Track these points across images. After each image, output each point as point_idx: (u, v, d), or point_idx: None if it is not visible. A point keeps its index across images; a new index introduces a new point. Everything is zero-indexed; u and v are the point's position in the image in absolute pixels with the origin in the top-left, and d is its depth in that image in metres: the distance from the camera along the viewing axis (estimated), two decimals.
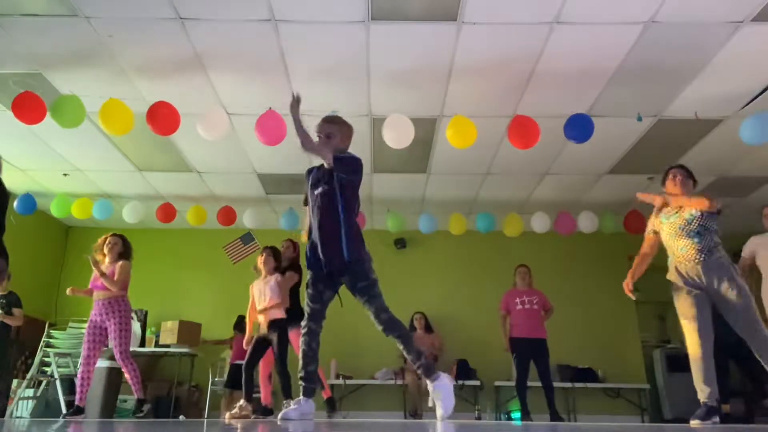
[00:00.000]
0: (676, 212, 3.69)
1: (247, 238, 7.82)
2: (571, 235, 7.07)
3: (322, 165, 3.26)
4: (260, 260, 4.91)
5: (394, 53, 4.24)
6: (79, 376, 4.66)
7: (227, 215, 6.85)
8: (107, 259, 4.91)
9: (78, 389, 4.63)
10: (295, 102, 3.19)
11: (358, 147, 5.66)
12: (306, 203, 3.36)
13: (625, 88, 4.64)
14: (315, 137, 3.25)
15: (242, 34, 4.02)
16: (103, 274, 4.71)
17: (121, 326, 4.75)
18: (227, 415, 4.67)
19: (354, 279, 3.07)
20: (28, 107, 4.24)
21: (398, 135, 4.68)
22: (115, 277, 4.79)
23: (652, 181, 6.46)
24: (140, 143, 5.69)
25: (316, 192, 3.21)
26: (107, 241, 4.99)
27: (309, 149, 3.14)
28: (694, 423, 3.38)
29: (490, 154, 5.84)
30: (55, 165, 6.16)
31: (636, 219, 6.69)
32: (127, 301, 4.88)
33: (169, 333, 6.92)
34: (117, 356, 4.70)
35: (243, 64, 4.38)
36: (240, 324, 6.87)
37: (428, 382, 3.08)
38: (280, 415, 3.00)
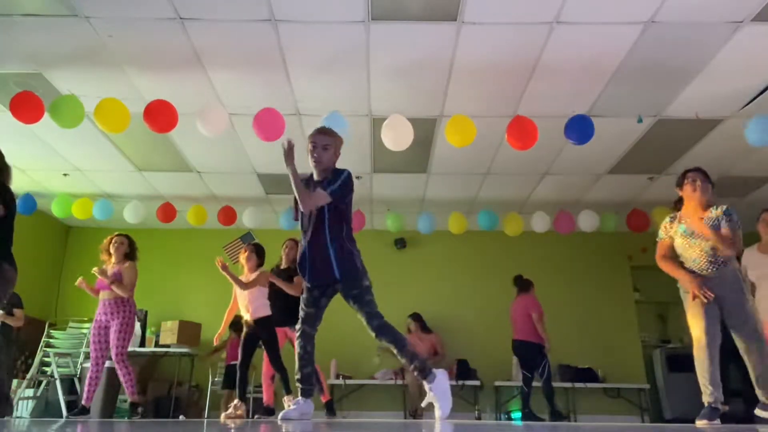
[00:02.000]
0: (695, 232, 3.64)
1: (247, 237, 7.81)
2: (571, 234, 7.07)
3: (314, 177, 3.31)
4: (243, 257, 4.98)
5: (394, 53, 4.24)
6: (88, 376, 4.67)
7: (227, 215, 6.85)
8: (113, 259, 4.92)
9: (86, 389, 4.64)
10: (289, 150, 3.08)
11: (359, 147, 5.67)
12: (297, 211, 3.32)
13: (625, 88, 4.64)
14: (307, 146, 3.31)
15: (242, 33, 4.02)
16: (113, 283, 4.76)
17: (123, 327, 4.76)
18: (222, 415, 4.69)
19: (346, 287, 3.14)
20: (26, 106, 4.24)
21: (397, 137, 4.67)
22: (124, 281, 4.84)
23: (652, 181, 6.46)
24: (140, 143, 5.69)
25: (304, 214, 3.25)
26: (113, 241, 5.00)
27: (309, 204, 3.15)
28: (701, 423, 3.41)
29: (490, 154, 5.83)
30: (55, 165, 6.16)
31: (639, 217, 6.69)
32: (133, 302, 4.92)
33: (169, 333, 6.92)
34: (114, 356, 4.71)
35: (243, 63, 4.38)
36: (236, 324, 6.87)
37: (425, 383, 3.09)
38: (280, 415, 3.06)
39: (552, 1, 3.68)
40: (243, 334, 4.77)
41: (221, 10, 3.78)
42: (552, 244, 7.76)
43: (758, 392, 3.53)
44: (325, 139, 3.27)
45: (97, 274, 4.78)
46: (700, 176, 3.76)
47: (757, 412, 3.56)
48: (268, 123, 4.57)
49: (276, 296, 4.93)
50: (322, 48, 4.19)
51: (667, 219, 3.85)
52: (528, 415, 6.14)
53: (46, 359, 6.54)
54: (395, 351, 3.11)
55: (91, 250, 8.09)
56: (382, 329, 3.07)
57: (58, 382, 6.29)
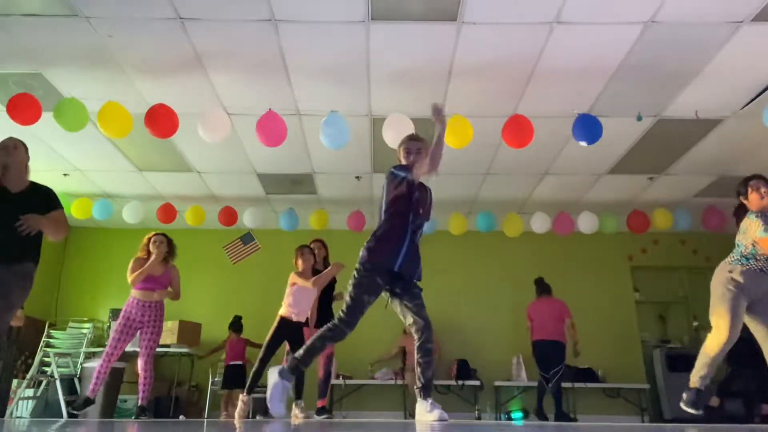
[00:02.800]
0: None
1: (247, 238, 7.82)
2: (571, 235, 7.07)
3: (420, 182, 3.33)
4: (305, 261, 4.74)
5: (394, 53, 4.24)
6: (96, 369, 4.65)
7: (227, 215, 6.85)
8: (153, 257, 4.91)
9: (93, 380, 4.62)
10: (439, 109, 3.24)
11: (359, 147, 5.68)
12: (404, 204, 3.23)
13: (625, 88, 4.64)
14: (401, 152, 3.38)
15: (242, 34, 4.02)
16: (175, 296, 5.00)
17: (157, 329, 4.84)
18: (235, 415, 4.61)
19: (413, 284, 3.19)
20: (23, 108, 4.24)
21: (397, 135, 4.67)
22: (174, 285, 5.01)
23: (652, 181, 6.46)
24: (140, 144, 5.69)
25: (418, 204, 3.24)
26: (153, 240, 5.01)
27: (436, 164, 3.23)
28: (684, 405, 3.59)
29: (490, 153, 5.83)
30: (55, 165, 6.16)
31: (639, 218, 6.69)
32: (164, 303, 4.98)
33: (169, 333, 6.90)
34: (143, 357, 4.72)
35: (243, 64, 4.38)
36: (235, 324, 6.87)
37: (419, 398, 3.08)
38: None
39: (552, 1, 3.68)
40: (273, 333, 4.60)
41: (221, 10, 3.78)
42: (552, 244, 7.76)
43: None
44: (421, 145, 3.37)
45: (139, 276, 4.80)
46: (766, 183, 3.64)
47: None
48: (270, 128, 4.57)
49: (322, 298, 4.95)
50: (323, 48, 4.19)
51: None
52: (542, 414, 6.25)
53: (46, 359, 6.54)
54: (421, 355, 3.09)
55: (91, 250, 8.13)
56: (429, 323, 3.12)
57: (58, 382, 6.29)
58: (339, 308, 3.27)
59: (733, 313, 3.46)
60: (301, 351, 3.11)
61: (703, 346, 3.61)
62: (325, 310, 5.00)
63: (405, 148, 3.36)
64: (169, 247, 5.06)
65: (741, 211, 3.69)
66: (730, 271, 3.52)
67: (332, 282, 5.08)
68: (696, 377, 3.60)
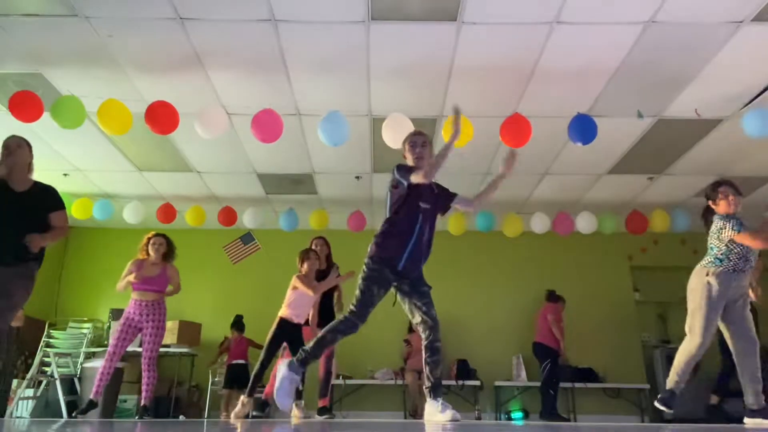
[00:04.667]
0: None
1: (247, 238, 7.82)
2: (571, 235, 7.07)
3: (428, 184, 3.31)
4: (310, 265, 4.71)
5: (394, 53, 4.24)
6: (99, 371, 4.65)
7: (227, 215, 6.85)
8: (151, 259, 4.91)
9: (96, 382, 4.63)
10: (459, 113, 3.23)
11: (359, 147, 5.68)
12: (404, 201, 3.26)
13: (625, 88, 4.64)
14: (405, 147, 3.40)
15: (242, 33, 4.02)
16: (172, 293, 4.98)
17: (159, 330, 4.81)
18: (232, 414, 4.62)
19: (419, 281, 3.25)
20: (25, 105, 4.24)
21: (397, 135, 4.67)
22: (173, 283, 5.00)
23: (652, 181, 6.46)
24: (140, 143, 5.69)
25: (423, 206, 3.24)
26: (152, 241, 5.00)
27: (436, 169, 3.21)
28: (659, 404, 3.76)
29: (490, 154, 5.83)
30: (55, 165, 6.16)
31: (637, 219, 6.69)
32: (165, 304, 4.94)
33: (169, 333, 6.89)
34: (146, 358, 4.71)
35: (243, 63, 4.38)
36: (237, 323, 6.87)
37: (429, 398, 3.09)
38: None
39: (552, 1, 3.68)
40: (272, 334, 4.61)
41: (221, 10, 3.78)
42: (552, 244, 7.76)
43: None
44: (426, 138, 3.40)
45: (125, 280, 4.79)
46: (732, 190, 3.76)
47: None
48: (266, 124, 4.56)
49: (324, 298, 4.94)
50: (322, 48, 4.19)
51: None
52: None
53: (46, 359, 6.54)
54: (429, 354, 3.14)
55: (92, 250, 8.13)
56: (438, 322, 3.20)
57: (58, 382, 6.29)
58: (341, 310, 3.30)
59: (709, 319, 3.56)
60: (311, 343, 3.12)
61: (679, 350, 3.71)
62: (326, 311, 4.99)
63: (410, 142, 3.38)
64: (167, 248, 5.05)
65: (708, 214, 3.82)
66: (707, 275, 3.61)
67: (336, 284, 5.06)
68: (672, 380, 3.72)
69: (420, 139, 3.37)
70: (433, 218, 3.29)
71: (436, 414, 3.01)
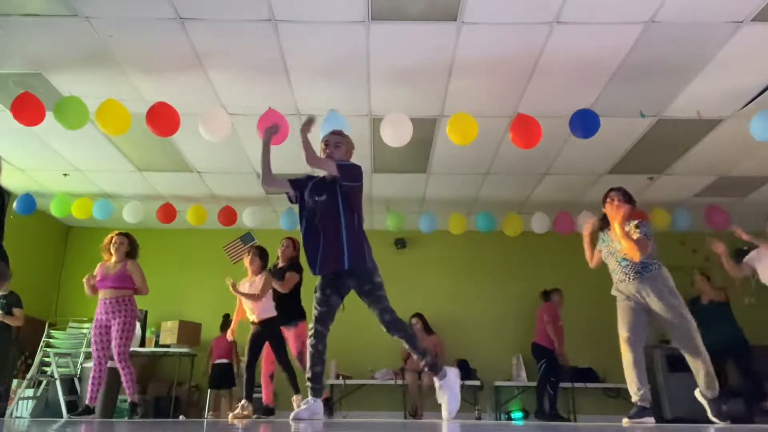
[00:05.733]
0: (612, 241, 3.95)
1: (247, 238, 7.81)
2: (571, 234, 7.06)
3: (323, 176, 3.37)
4: (246, 260, 4.97)
5: (394, 53, 4.24)
6: (91, 376, 4.66)
7: (227, 215, 6.85)
8: (114, 259, 4.90)
9: (89, 388, 4.63)
10: (309, 123, 3.31)
11: (358, 147, 5.66)
12: (300, 206, 3.40)
13: (625, 88, 4.64)
14: (320, 146, 3.40)
15: (242, 34, 4.02)
16: (136, 291, 4.88)
17: (125, 326, 4.73)
18: (230, 415, 4.67)
19: (360, 282, 3.17)
20: (28, 109, 4.24)
21: (396, 133, 4.67)
22: (135, 280, 4.86)
23: (652, 181, 6.46)
24: (140, 143, 5.69)
25: (318, 199, 3.27)
26: (113, 241, 4.97)
27: (314, 163, 3.24)
28: (625, 421, 3.61)
29: (490, 153, 5.83)
30: (55, 165, 6.16)
31: (637, 218, 6.67)
32: (134, 301, 4.88)
33: (169, 333, 6.92)
34: (115, 356, 4.68)
35: (243, 64, 4.38)
36: (225, 324, 6.86)
37: (435, 379, 3.13)
38: (291, 416, 3.08)
39: (552, 1, 3.68)
40: (250, 336, 4.74)
41: (221, 10, 3.78)
42: (552, 244, 7.75)
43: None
44: (337, 138, 3.42)
45: (86, 284, 4.77)
46: (618, 195, 3.97)
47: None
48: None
49: (275, 296, 4.94)
50: (322, 48, 4.19)
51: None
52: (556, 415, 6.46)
53: (46, 359, 6.54)
54: (407, 346, 3.17)
55: (92, 250, 8.08)
56: (395, 324, 3.12)
57: (58, 382, 6.29)
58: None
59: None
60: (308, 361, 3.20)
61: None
62: (286, 303, 4.96)
63: (324, 140, 3.45)
64: (129, 247, 4.97)
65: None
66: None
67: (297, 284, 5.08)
68: (635, 393, 3.68)
69: (333, 140, 3.43)
70: (328, 207, 3.26)
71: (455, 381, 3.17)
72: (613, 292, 3.98)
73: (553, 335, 6.59)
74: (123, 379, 4.72)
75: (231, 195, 6.99)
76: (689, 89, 4.64)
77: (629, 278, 3.85)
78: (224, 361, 6.59)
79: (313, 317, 3.20)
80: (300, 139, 3.23)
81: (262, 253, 4.96)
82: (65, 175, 6.40)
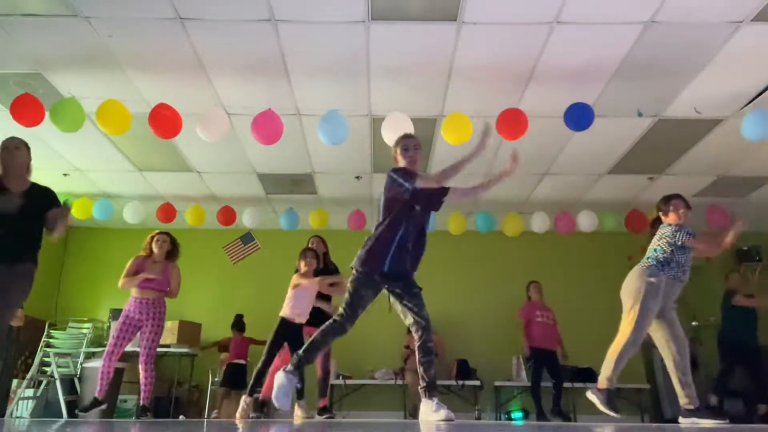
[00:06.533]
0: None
1: (247, 238, 7.82)
2: (571, 234, 7.07)
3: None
4: (304, 262, 4.69)
5: (394, 53, 4.24)
6: (100, 370, 4.65)
7: (227, 215, 6.85)
8: (154, 257, 4.90)
9: (99, 382, 4.63)
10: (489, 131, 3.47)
11: (359, 147, 5.68)
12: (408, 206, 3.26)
13: (625, 88, 4.64)
14: (411, 152, 3.38)
15: (242, 34, 4.02)
16: (169, 294, 4.92)
17: (158, 329, 4.77)
18: (237, 415, 4.59)
19: (410, 283, 3.21)
20: (27, 110, 4.24)
21: (397, 133, 4.66)
22: (172, 284, 4.92)
23: (652, 181, 6.46)
24: (140, 143, 5.69)
25: (417, 209, 3.24)
26: (156, 239, 4.98)
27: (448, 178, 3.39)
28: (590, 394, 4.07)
29: (489, 153, 5.83)
30: (55, 165, 6.16)
31: (637, 218, 6.68)
32: (165, 303, 4.91)
33: (169, 333, 6.89)
34: (143, 356, 4.69)
35: (243, 63, 4.38)
36: (238, 323, 6.87)
37: (424, 398, 3.08)
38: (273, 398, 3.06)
39: (552, 1, 3.68)
40: (274, 334, 4.59)
41: (221, 10, 3.78)
42: (552, 244, 7.76)
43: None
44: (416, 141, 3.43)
45: (135, 280, 4.77)
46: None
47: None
48: (266, 126, 4.56)
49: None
50: (322, 48, 4.19)
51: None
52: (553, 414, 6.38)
53: (46, 359, 6.54)
54: (427, 349, 3.11)
55: (91, 250, 8.13)
56: (430, 322, 3.13)
57: (58, 382, 6.29)
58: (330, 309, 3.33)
59: (643, 318, 3.74)
60: (304, 347, 3.14)
61: (610, 348, 3.90)
62: (317, 312, 4.94)
63: (402, 145, 3.38)
64: (172, 246, 5.02)
65: (657, 224, 4.00)
66: (650, 276, 3.74)
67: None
68: (603, 378, 3.94)
69: (412, 143, 3.38)
70: (424, 219, 3.28)
71: (430, 414, 3.01)
72: (658, 284, 3.77)
73: (522, 336, 6.48)
74: (143, 380, 4.69)
75: (231, 195, 6.99)
76: (689, 89, 4.64)
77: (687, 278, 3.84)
78: (241, 361, 6.59)
79: (350, 315, 3.12)
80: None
81: (316, 255, 4.89)
82: (65, 175, 6.40)
